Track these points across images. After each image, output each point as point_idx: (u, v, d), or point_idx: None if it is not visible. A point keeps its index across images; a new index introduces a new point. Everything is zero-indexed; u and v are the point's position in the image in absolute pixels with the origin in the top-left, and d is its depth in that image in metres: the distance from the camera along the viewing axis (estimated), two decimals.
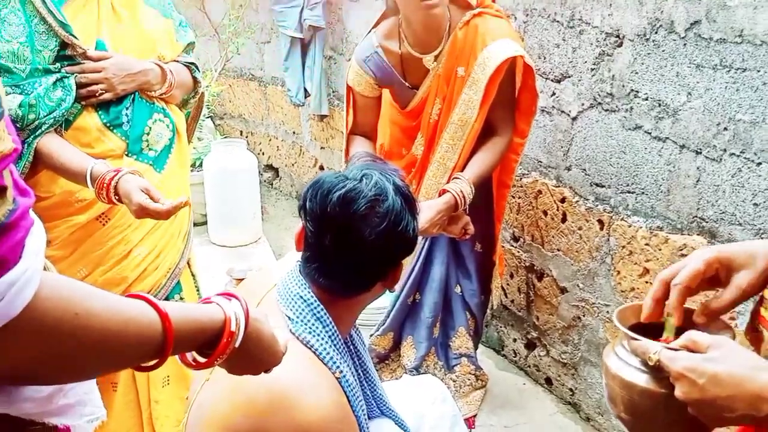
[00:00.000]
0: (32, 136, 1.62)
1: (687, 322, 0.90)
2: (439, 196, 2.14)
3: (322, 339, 1.26)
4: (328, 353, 1.25)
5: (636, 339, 0.87)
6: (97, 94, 1.69)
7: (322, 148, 4.43)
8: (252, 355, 0.90)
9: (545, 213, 2.59)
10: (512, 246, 2.80)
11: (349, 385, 1.29)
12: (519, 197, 2.72)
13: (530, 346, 2.82)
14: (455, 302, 2.44)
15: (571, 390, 2.60)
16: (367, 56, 2.22)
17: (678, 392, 0.80)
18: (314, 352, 1.24)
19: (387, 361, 2.54)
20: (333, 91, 4.15)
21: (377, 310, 2.58)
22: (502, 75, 2.08)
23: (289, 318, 1.26)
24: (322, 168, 4.48)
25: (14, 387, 0.69)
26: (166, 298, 1.92)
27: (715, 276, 0.90)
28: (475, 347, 2.52)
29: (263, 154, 5.16)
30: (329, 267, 1.26)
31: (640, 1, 2.08)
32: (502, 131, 2.20)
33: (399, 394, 1.71)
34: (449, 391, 1.90)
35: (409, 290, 2.42)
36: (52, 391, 0.73)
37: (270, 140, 5.11)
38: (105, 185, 1.61)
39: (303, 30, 3.98)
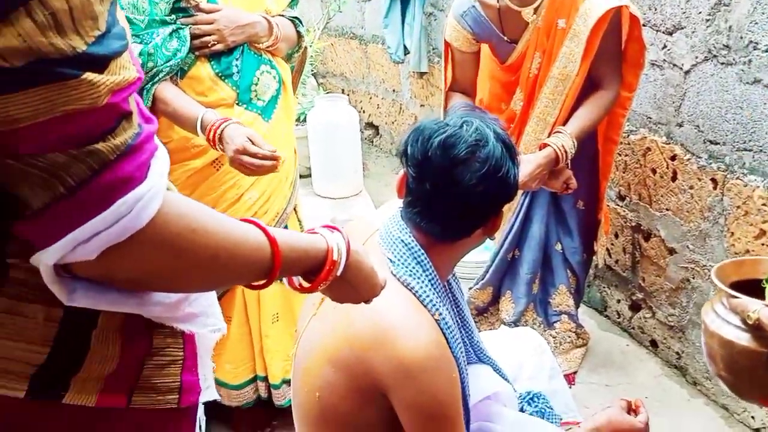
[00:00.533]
0: (150, 83, 1.74)
1: None
2: (540, 150, 2.11)
3: (422, 282, 1.29)
4: (427, 295, 1.29)
5: (735, 297, 0.85)
6: (209, 45, 1.79)
7: (421, 105, 4.42)
8: (352, 285, 0.95)
9: (654, 171, 2.50)
10: (618, 205, 2.73)
11: (448, 328, 1.32)
12: (626, 155, 2.63)
13: (635, 307, 2.76)
14: (556, 259, 2.42)
15: (677, 353, 2.53)
16: (464, 11, 2.19)
17: None
18: (414, 294, 1.28)
19: (485, 315, 2.57)
20: (433, 48, 4.12)
21: (477, 264, 2.60)
22: (605, 26, 2.01)
23: (390, 260, 1.30)
24: None
25: (145, 292, 0.76)
26: None
27: None
28: (577, 306, 2.50)
29: (364, 112, 5.22)
30: (430, 211, 1.29)
31: None
32: (608, 85, 2.13)
33: (497, 344, 1.73)
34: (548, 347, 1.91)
35: (509, 246, 2.42)
36: (179, 298, 0.80)
37: (370, 98, 5.15)
38: (212, 131, 1.71)
39: None
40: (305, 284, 0.91)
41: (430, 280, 1.31)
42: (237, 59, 1.86)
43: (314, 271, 0.88)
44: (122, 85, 0.63)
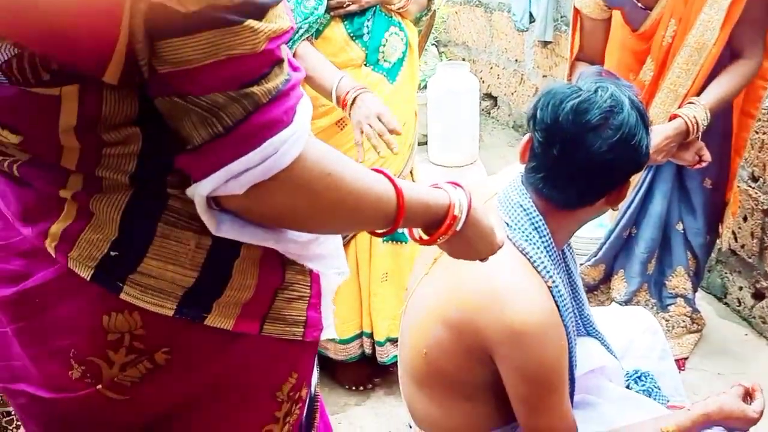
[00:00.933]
0: (290, 41, 1.82)
1: None
2: (669, 120, 2.02)
3: (538, 248, 1.29)
4: (542, 262, 1.28)
5: None
6: (344, 5, 1.84)
7: (544, 76, 4.32)
8: (471, 241, 0.97)
9: None
10: (750, 186, 2.57)
11: (561, 296, 1.31)
12: (764, 132, 2.47)
13: (758, 296, 2.61)
14: (675, 240, 2.32)
15: None
16: None
17: None
18: (529, 260, 1.28)
19: (595, 292, 2.51)
20: (561, 17, 4.00)
21: (590, 240, 2.54)
22: None
23: (507, 224, 1.30)
24: None
25: (281, 230, 0.82)
26: None
27: None
28: (694, 290, 2.39)
29: (483, 82, 5.16)
30: (556, 177, 1.27)
31: None
32: (750, 54, 1.98)
33: (607, 320, 1.70)
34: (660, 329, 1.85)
35: (626, 223, 2.34)
36: (310, 239, 0.86)
37: (491, 68, 5.08)
38: (347, 96, 1.77)
39: None
40: (425, 236, 0.94)
41: (546, 247, 1.31)
42: (368, 20, 1.91)
43: (435, 225, 0.91)
44: (278, 33, 0.68)
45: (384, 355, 2.23)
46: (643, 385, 1.68)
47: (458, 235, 0.93)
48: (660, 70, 2.09)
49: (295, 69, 0.75)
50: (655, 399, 1.64)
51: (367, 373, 2.35)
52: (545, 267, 1.28)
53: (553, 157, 1.24)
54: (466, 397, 1.38)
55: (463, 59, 5.39)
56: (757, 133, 2.48)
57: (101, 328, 0.77)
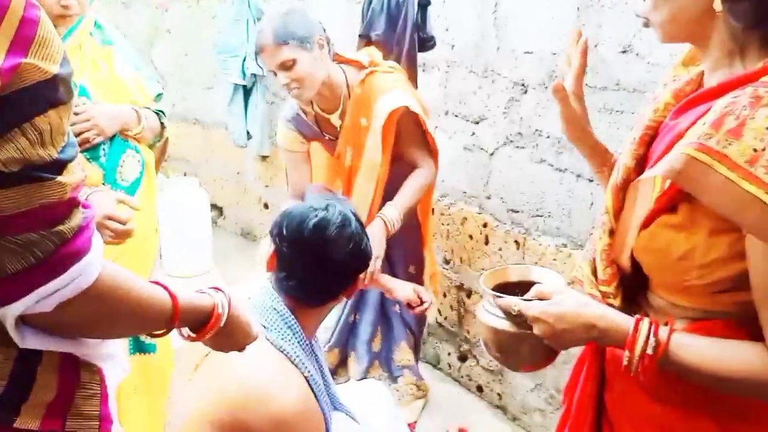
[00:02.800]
0: None
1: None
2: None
3: (293, 344, 1.51)
4: (298, 356, 1.50)
5: (501, 297, 1.18)
6: (91, 140, 1.96)
7: (266, 186, 4.70)
8: (232, 334, 1.16)
9: (471, 237, 2.94)
10: (444, 268, 3.13)
11: (316, 383, 1.53)
12: (448, 224, 3.07)
13: (463, 358, 3.14)
14: (395, 319, 2.73)
15: (498, 395, 2.92)
16: (292, 116, 2.53)
17: (536, 331, 1.12)
18: (286, 356, 1.48)
19: (335, 376, 2.81)
20: (275, 133, 4.44)
21: (324, 329, 2.86)
22: (395, 122, 2.34)
23: (264, 326, 1.50)
24: (266, 206, 4.74)
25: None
26: None
27: None
28: (416, 360, 2.82)
29: (208, 193, 5.37)
30: (306, 282, 1.53)
31: (539, 58, 2.48)
32: (423, 162, 2.45)
33: (348, 394, 1.98)
34: (392, 398, 2.18)
35: (349, 310, 2.72)
36: (100, 340, 1.02)
37: (214, 180, 5.34)
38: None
39: (246, 77, 4.28)
40: (192, 334, 1.12)
41: (299, 342, 1.53)
42: (105, 144, 2.04)
43: (202, 323, 1.09)
44: (77, 183, 0.86)
45: None
46: None
47: (221, 331, 1.12)
48: (347, 189, 2.51)
49: (85, 206, 0.91)
50: None
51: None
52: (301, 361, 1.50)
53: (302, 266, 1.51)
54: None
55: (185, 173, 5.57)
56: (443, 225, 3.07)
57: None
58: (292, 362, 1.49)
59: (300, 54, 2.22)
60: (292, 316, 1.53)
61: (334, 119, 2.43)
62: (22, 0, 0.78)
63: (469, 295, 3.01)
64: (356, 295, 2.66)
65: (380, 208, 2.37)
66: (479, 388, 3.04)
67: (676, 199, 1.01)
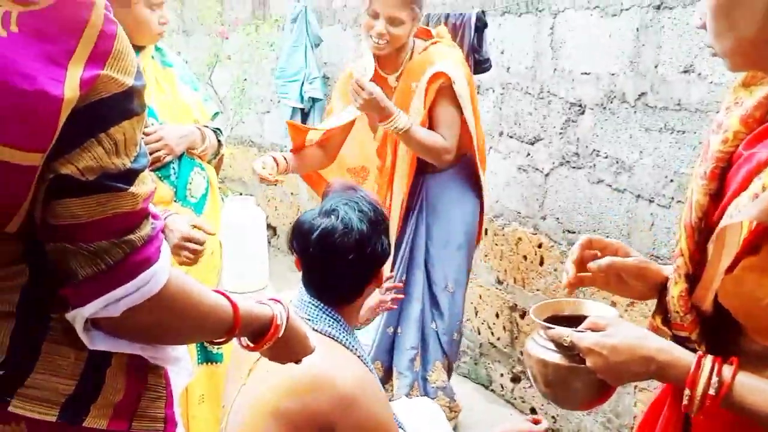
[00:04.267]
0: None
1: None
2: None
3: (339, 330, 1.55)
4: (348, 341, 1.54)
5: (552, 328, 1.11)
6: (162, 159, 2.05)
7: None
8: (289, 345, 1.19)
9: (525, 257, 2.94)
10: (497, 288, 3.13)
11: (368, 363, 1.56)
12: (502, 245, 3.07)
13: (516, 379, 3.11)
14: (431, 338, 2.70)
15: (553, 417, 2.89)
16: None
17: (589, 363, 1.04)
18: (337, 341, 1.53)
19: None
20: None
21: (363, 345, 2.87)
22: (436, 88, 2.43)
23: (308, 320, 1.54)
24: None
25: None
26: None
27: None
28: (448, 379, 2.78)
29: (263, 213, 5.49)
30: (325, 286, 1.57)
31: (596, 78, 2.49)
32: (445, 136, 2.48)
33: (399, 411, 1.98)
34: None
35: (387, 322, 2.72)
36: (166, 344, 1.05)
37: (269, 200, 5.46)
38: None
39: (304, 101, 4.39)
40: (251, 344, 1.14)
41: (344, 329, 1.57)
42: (174, 162, 2.13)
43: (261, 333, 1.12)
44: (148, 194, 0.89)
45: None
46: None
47: (279, 341, 1.14)
48: (394, 150, 2.59)
49: (155, 216, 0.93)
50: None
51: None
52: (351, 344, 1.54)
53: (318, 273, 1.55)
54: None
55: (241, 193, 5.71)
56: (497, 245, 3.07)
57: None
58: (342, 344, 1.53)
59: (409, 18, 2.39)
60: (331, 308, 1.57)
61: (392, 80, 2.55)
62: (101, 15, 0.82)
63: (522, 316, 3.00)
64: (398, 308, 2.63)
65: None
66: (533, 411, 3.01)
67: (759, 240, 0.93)
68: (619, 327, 1.05)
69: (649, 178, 2.32)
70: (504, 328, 3.13)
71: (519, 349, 3.05)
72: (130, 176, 0.85)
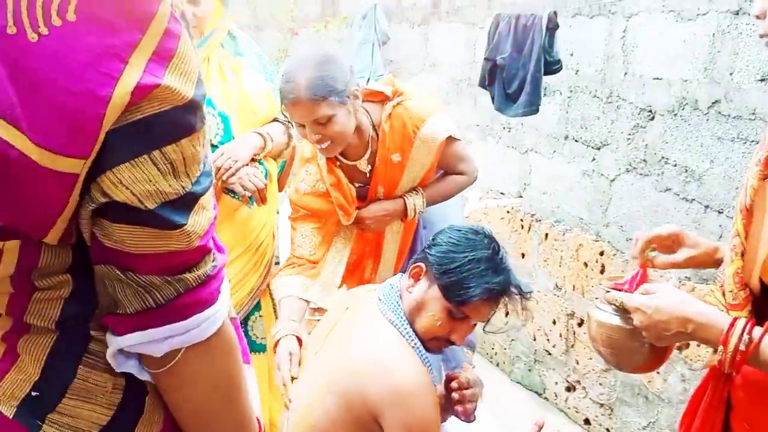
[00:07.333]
0: None
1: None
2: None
3: (401, 319, 1.58)
4: (407, 330, 1.56)
5: (608, 291, 1.28)
6: (224, 179, 2.06)
7: None
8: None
9: (585, 264, 2.88)
10: (555, 294, 3.08)
11: (426, 359, 1.57)
12: (561, 250, 3.02)
13: (570, 388, 3.06)
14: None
15: (607, 430, 2.82)
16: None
17: (635, 321, 1.19)
18: (397, 329, 1.56)
19: None
20: None
21: None
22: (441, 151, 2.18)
23: (379, 299, 1.62)
24: None
25: None
26: (247, 316, 2.28)
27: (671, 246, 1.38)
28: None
29: None
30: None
31: (668, 84, 2.42)
32: (466, 172, 2.28)
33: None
34: None
35: None
36: None
37: None
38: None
39: None
40: None
41: (402, 312, 1.60)
42: None
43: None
44: (206, 228, 0.78)
45: None
46: None
47: None
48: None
49: (218, 249, 0.83)
50: None
51: None
52: (410, 335, 1.55)
53: None
54: None
55: None
56: (556, 250, 3.02)
57: None
58: (403, 336, 1.55)
59: (337, 110, 1.97)
60: (396, 289, 1.64)
61: (362, 165, 2.19)
62: (167, 11, 0.72)
63: (580, 324, 2.94)
64: None
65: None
66: (587, 421, 2.95)
67: None
68: (664, 291, 1.19)
69: (719, 189, 2.24)
70: (560, 335, 3.08)
71: (575, 357, 2.99)
72: (188, 202, 0.75)
